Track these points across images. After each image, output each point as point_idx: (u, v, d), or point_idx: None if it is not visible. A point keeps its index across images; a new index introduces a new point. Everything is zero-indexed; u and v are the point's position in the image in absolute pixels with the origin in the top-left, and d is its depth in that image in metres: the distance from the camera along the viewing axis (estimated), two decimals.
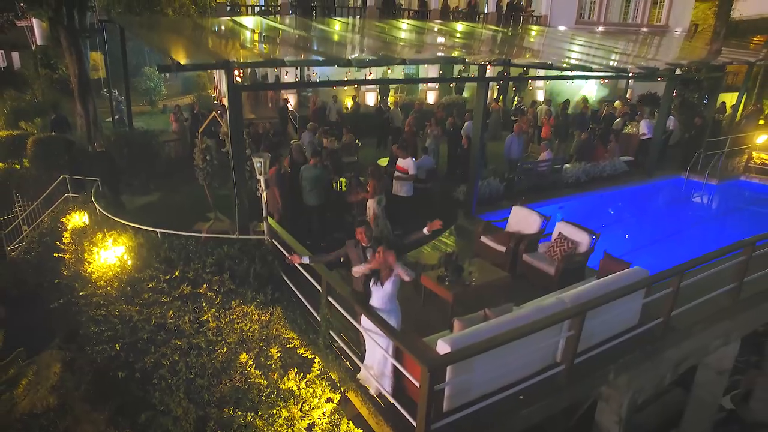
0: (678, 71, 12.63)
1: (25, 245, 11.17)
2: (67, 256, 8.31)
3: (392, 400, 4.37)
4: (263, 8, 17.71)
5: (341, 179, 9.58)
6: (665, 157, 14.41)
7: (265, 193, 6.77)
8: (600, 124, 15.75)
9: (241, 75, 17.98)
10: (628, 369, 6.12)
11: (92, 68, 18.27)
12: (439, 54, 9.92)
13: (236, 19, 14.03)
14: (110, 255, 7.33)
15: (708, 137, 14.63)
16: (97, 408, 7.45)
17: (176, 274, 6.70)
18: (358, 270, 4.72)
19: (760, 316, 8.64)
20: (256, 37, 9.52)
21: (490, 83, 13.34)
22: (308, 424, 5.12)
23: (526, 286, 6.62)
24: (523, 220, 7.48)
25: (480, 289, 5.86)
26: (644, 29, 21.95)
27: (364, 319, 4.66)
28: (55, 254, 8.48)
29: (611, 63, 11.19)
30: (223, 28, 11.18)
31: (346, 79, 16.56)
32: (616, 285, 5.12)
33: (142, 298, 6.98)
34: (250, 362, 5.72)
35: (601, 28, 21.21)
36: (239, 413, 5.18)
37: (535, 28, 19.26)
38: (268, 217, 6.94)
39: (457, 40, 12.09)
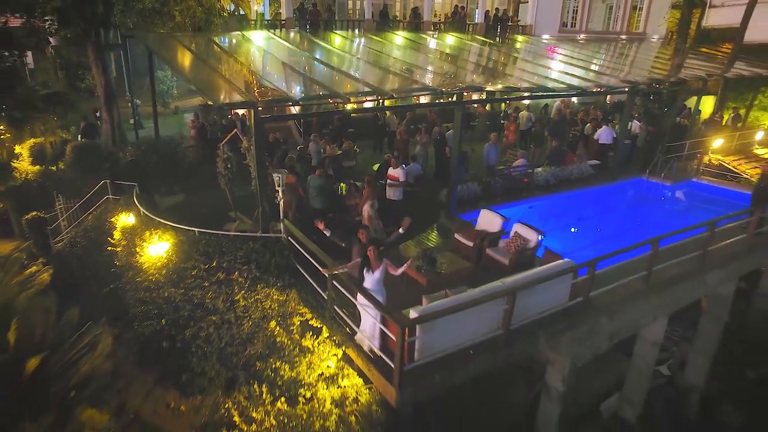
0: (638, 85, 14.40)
1: (69, 240, 12.95)
2: (118, 249, 10.15)
3: (379, 353, 6.22)
4: (269, 21, 19.30)
5: (342, 184, 11.39)
6: (631, 161, 16.20)
7: (282, 200, 8.59)
8: (574, 128, 17.51)
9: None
10: (559, 336, 7.99)
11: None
12: (428, 79, 11.64)
13: (246, 34, 15.76)
14: (157, 249, 9.16)
15: (669, 142, 16.45)
16: (145, 372, 9.32)
17: (213, 264, 8.55)
18: (353, 265, 6.54)
19: (680, 299, 10.51)
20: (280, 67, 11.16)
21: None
22: (321, 371, 7.01)
23: (487, 275, 8.45)
24: (488, 221, 9.29)
25: (448, 276, 7.69)
26: (623, 37, 23.59)
27: (359, 296, 6.50)
28: (109, 248, 10.29)
29: (575, 82, 12.92)
30: (239, 49, 12.89)
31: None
32: (545, 273, 6.96)
33: (186, 283, 8.82)
34: (278, 329, 7.57)
35: (582, 36, 22.85)
36: (270, 361, 7.02)
37: (520, 37, 20.90)
38: (285, 219, 8.77)
39: (441, 63, 13.79)
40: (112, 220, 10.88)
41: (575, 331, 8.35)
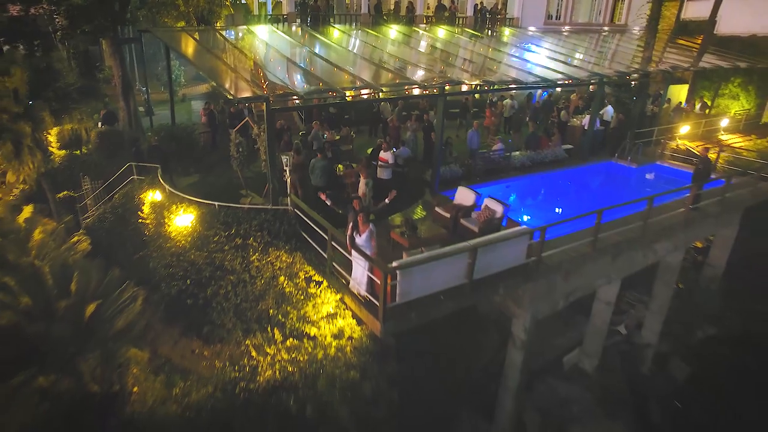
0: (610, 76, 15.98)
1: (97, 216, 14.60)
2: (147, 221, 11.81)
3: (368, 296, 7.94)
4: (271, 16, 20.64)
5: (339, 165, 13.02)
6: (604, 145, 17.82)
7: (289, 178, 10.23)
8: (552, 115, 19.08)
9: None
10: (521, 293, 9.74)
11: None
12: (415, 73, 13.22)
13: (253, 29, 17.21)
14: (182, 220, 10.82)
15: (639, 128, 18.06)
16: (172, 325, 11.04)
17: (232, 231, 10.24)
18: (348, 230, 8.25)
19: (632, 265, 12.26)
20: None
21: None
22: (323, 313, 8.75)
23: (459, 240, 10.13)
24: (464, 196, 10.96)
25: (427, 240, 9.38)
26: (606, 28, 24.99)
27: (353, 252, 8.19)
28: (139, 220, 11.97)
29: (548, 75, 14.48)
30: (248, 44, 14.41)
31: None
32: (502, 235, 8.65)
33: (208, 248, 10.52)
34: (287, 282, 9.28)
35: (567, 28, 24.25)
36: (282, 307, 8.75)
37: (506, 30, 22.30)
38: (291, 194, 10.43)
39: (429, 57, 15.31)
40: (141, 197, 12.52)
41: (534, 289, 10.11)
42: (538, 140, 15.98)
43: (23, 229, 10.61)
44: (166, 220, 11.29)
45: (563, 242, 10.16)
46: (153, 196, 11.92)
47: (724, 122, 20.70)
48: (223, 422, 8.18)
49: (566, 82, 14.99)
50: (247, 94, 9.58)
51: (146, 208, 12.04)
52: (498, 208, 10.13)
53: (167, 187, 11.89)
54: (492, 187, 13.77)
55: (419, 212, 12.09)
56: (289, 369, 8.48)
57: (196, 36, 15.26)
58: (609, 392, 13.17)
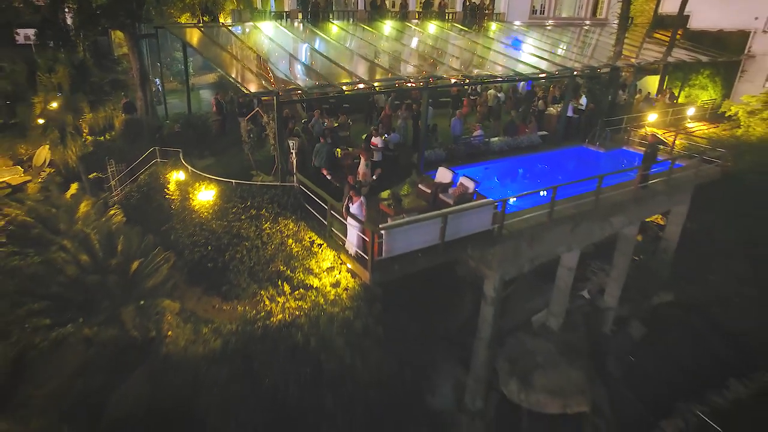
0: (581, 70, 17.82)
1: (124, 195, 16.52)
2: (174, 197, 13.77)
3: (360, 252, 9.95)
4: (275, 12, 22.34)
5: (338, 149, 14.93)
6: (578, 132, 19.69)
7: (295, 160, 12.18)
8: (534, 103, 20.89)
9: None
10: (484, 250, 11.74)
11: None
12: (404, 68, 15.10)
13: (260, 25, 18.96)
14: (204, 195, 12.78)
15: (610, 116, 19.94)
16: (194, 285, 13.03)
17: (248, 203, 12.21)
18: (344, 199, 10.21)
19: (590, 235, 14.25)
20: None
21: None
22: (323, 269, 10.77)
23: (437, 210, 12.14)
24: (443, 175, 12.91)
25: (408, 210, 11.36)
26: (587, 22, 26.68)
27: (348, 219, 10.16)
28: (165, 196, 13.93)
29: (523, 70, 16.35)
30: (256, 40, 16.26)
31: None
32: (468, 206, 10.63)
33: (227, 219, 12.50)
34: (294, 244, 11.28)
35: (550, 22, 25.96)
36: (291, 264, 10.76)
37: (492, 24, 24.01)
38: (296, 173, 12.39)
39: (418, 52, 17.11)
40: (166, 177, 14.46)
41: (502, 252, 12.13)
42: (516, 127, 17.88)
43: (70, 203, 12.57)
44: (189, 196, 13.26)
45: (527, 213, 12.16)
46: (177, 176, 13.86)
47: (691, 111, 22.56)
48: (244, 352, 10.24)
49: (540, 76, 16.82)
50: (259, 89, 11.48)
51: (171, 186, 14.00)
52: (470, 185, 12.09)
53: (189, 168, 13.83)
54: (472, 168, 15.66)
55: (406, 189, 14.04)
56: (297, 313, 10.53)
57: (209, 33, 17.08)
58: (571, 346, 15.27)
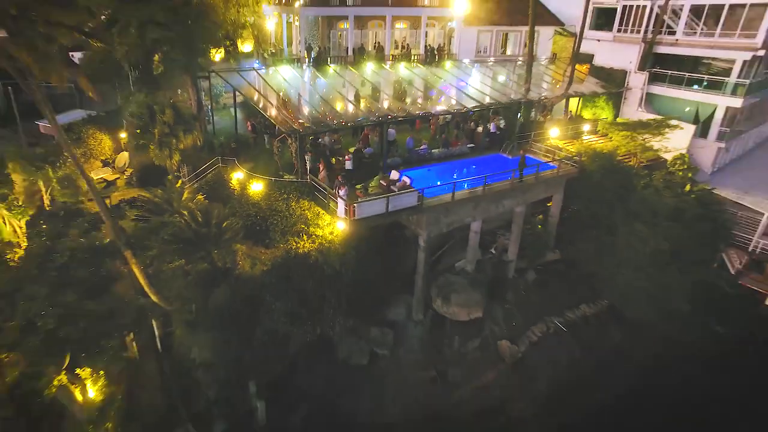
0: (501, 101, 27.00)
1: (195, 188, 25.50)
2: (236, 188, 22.84)
3: (344, 216, 19.13)
4: (287, 57, 31.30)
5: (333, 158, 24.05)
6: (498, 144, 28.76)
7: (309, 165, 21.34)
8: (468, 124, 29.99)
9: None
10: (416, 217, 20.93)
11: None
12: (384, 101, 24.30)
13: (278, 69, 28.00)
14: (255, 187, 21.87)
15: (522, 132, 29.10)
16: (249, 240, 22.11)
17: (280, 191, 21.34)
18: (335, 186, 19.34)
19: (488, 211, 23.44)
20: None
21: None
22: (323, 226, 19.98)
23: None
24: (394, 175, 22.08)
25: (371, 195, 20.50)
26: (520, 59, 35.62)
27: (338, 199, 19.30)
28: (229, 187, 23.02)
29: (454, 104, 25.49)
30: (280, 83, 25.45)
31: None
32: (401, 191, 19.81)
33: (269, 201, 21.61)
34: (308, 213, 20.46)
35: (492, 60, 34.95)
36: (303, 227, 19.96)
37: (446, 63, 32.95)
38: (309, 174, 21.56)
39: (386, 92, 26.40)
40: (229, 176, 23.54)
41: (427, 219, 21.28)
42: (450, 141, 27.02)
43: (179, 190, 21.64)
44: (245, 188, 22.36)
45: (441, 196, 21.30)
46: (236, 175, 22.95)
47: (586, 127, 31.67)
48: (282, 269, 19.35)
49: (470, 106, 25.99)
50: (288, 128, 20.62)
51: (233, 182, 23.10)
52: (407, 180, 21.27)
53: (245, 170, 22.94)
54: (420, 170, 24.82)
55: (374, 182, 23.18)
56: (310, 248, 19.67)
57: (246, 76, 26.20)
58: (476, 280, 24.42)
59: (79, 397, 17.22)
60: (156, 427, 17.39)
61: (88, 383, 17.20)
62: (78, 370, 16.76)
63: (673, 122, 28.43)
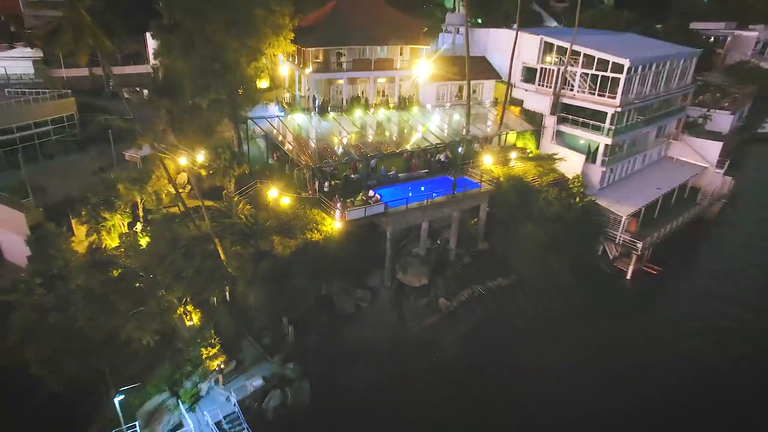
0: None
1: (243, 201, 38.38)
2: (270, 201, 35.67)
3: (339, 218, 32.03)
4: (301, 106, 44.10)
5: (333, 180, 36.94)
6: (447, 169, 41.65)
7: (317, 185, 34.32)
8: (426, 155, 42.90)
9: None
10: (385, 220, 33.93)
11: None
12: (369, 137, 37.39)
13: (294, 115, 40.93)
14: (285, 200, 34.75)
15: (462, 160, 42.13)
16: (279, 234, 35.13)
17: (301, 203, 34.25)
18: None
19: (433, 215, 36.61)
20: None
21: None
22: (326, 225, 33.00)
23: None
24: (371, 193, 35.03)
25: (356, 206, 33.42)
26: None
27: (336, 208, 32.18)
28: (267, 202, 35.95)
29: (415, 140, 38.51)
30: (295, 125, 38.45)
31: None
32: (373, 204, 32.74)
33: (294, 209, 34.54)
34: (316, 217, 33.49)
35: (448, 104, 47.83)
36: (314, 225, 33.03)
37: (413, 108, 45.78)
38: (319, 192, 34.50)
39: (369, 133, 39.41)
40: (264, 192, 36.42)
41: (389, 219, 34.32)
42: (410, 167, 39.99)
43: (236, 201, 34.52)
44: (276, 201, 35.26)
45: (401, 206, 34.19)
46: (270, 192, 35.87)
47: (513, 155, 44.61)
48: (303, 252, 32.22)
49: (428, 143, 38.94)
50: (306, 164, 33.48)
51: (267, 197, 36.02)
52: (378, 197, 34.26)
53: (276, 188, 35.86)
54: (390, 188, 37.75)
55: (358, 198, 36.04)
56: (317, 238, 32.64)
57: (271, 121, 39.15)
58: (425, 260, 37.34)
59: (187, 323, 30.01)
60: (230, 339, 30.08)
61: (193, 316, 29.98)
62: (189, 307, 29.56)
63: (561, 155, 41.68)
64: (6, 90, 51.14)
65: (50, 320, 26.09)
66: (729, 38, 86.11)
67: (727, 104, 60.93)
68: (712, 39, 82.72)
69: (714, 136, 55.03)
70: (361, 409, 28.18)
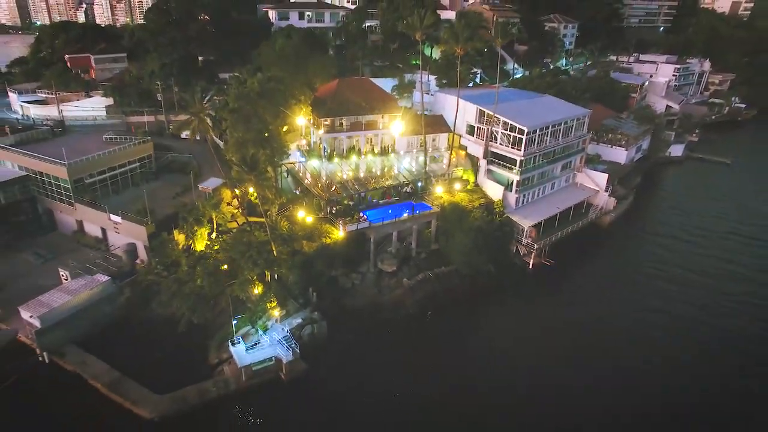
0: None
1: (281, 219, 60.22)
2: (300, 220, 57.42)
3: (342, 230, 54.05)
4: (316, 153, 65.76)
5: (338, 206, 58.85)
6: (411, 197, 63.50)
7: (328, 208, 56.29)
8: (397, 187, 64.76)
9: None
10: (369, 230, 56.01)
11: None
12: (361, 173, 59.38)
13: (311, 162, 62.86)
14: (308, 218, 56.59)
15: (422, 190, 64.24)
16: (306, 240, 57.30)
17: (318, 221, 56.18)
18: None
19: (401, 227, 58.94)
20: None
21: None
22: (335, 233, 55.14)
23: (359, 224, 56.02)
24: (360, 215, 57.06)
25: (352, 223, 55.38)
26: (431, 150, 70.27)
27: (340, 225, 54.08)
28: (297, 220, 57.79)
29: (389, 180, 60.60)
30: (312, 169, 60.48)
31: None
32: (359, 223, 54.81)
33: (314, 223, 56.43)
34: (323, 226, 55.62)
35: (415, 150, 69.68)
36: (327, 233, 55.21)
37: (392, 154, 67.57)
38: (329, 213, 56.51)
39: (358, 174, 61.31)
40: (295, 214, 58.29)
41: (373, 231, 56.40)
42: (386, 195, 62.02)
43: (277, 219, 56.23)
44: (303, 220, 57.12)
45: (379, 223, 56.10)
46: (299, 213, 57.65)
47: (457, 186, 66.57)
48: (321, 249, 54.06)
49: (392, 182, 60.89)
50: (322, 197, 55.29)
51: (297, 217, 57.87)
52: (365, 217, 56.31)
53: (304, 211, 57.70)
54: (373, 210, 59.69)
55: (354, 217, 57.90)
56: (329, 241, 54.65)
57: (293, 166, 61.12)
58: (397, 255, 59.30)
59: (252, 291, 51.85)
60: (281, 299, 51.80)
61: (258, 287, 51.85)
62: (256, 281, 51.55)
63: (489, 186, 63.95)
64: (104, 136, 72.54)
65: (185, 290, 48.06)
66: (646, 83, 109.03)
67: (623, 142, 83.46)
68: (630, 84, 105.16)
69: (613, 166, 77.55)
70: (355, 337, 50.09)
